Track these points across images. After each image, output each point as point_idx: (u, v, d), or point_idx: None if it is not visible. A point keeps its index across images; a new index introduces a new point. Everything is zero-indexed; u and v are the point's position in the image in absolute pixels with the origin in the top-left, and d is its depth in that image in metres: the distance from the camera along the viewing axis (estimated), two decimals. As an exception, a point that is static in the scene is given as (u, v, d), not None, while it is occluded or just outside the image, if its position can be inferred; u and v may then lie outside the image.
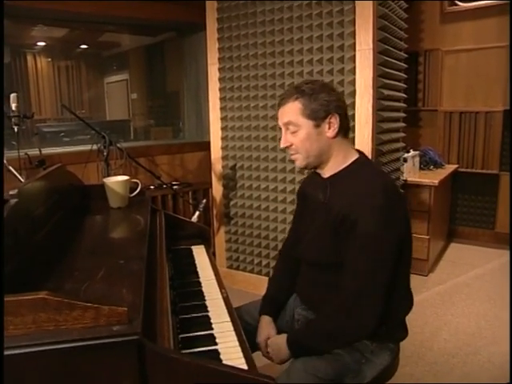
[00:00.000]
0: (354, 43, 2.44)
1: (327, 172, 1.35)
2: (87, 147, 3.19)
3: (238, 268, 3.16)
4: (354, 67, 2.46)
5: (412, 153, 3.36)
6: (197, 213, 2.98)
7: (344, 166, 1.32)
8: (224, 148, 3.08)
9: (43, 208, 1.14)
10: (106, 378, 0.73)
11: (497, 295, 2.98)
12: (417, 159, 3.46)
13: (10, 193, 0.97)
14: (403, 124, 3.09)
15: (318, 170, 1.37)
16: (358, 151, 1.36)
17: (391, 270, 1.21)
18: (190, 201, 3.45)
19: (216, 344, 1.02)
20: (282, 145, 1.33)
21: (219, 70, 2.99)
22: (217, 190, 3.20)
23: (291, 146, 1.32)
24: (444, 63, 3.90)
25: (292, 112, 1.28)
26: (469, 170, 3.92)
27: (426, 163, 3.63)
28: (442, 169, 3.67)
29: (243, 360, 0.96)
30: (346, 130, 1.33)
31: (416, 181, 3.25)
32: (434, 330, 2.57)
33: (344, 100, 1.34)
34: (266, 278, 2.99)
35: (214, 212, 3.26)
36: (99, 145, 2.66)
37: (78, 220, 1.38)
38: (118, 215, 1.49)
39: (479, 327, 2.60)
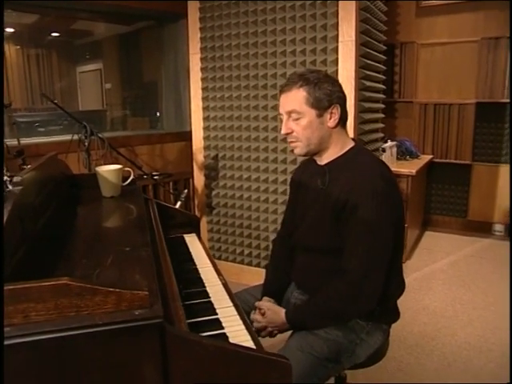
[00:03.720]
0: (337, 35, 2.47)
1: (325, 159, 1.38)
2: (63, 137, 3.13)
3: (220, 258, 3.18)
4: (337, 58, 2.49)
5: (390, 143, 3.44)
6: (178, 203, 2.97)
7: (341, 152, 1.36)
8: (206, 138, 3.08)
9: (42, 196, 1.13)
10: (128, 361, 0.74)
11: (471, 280, 3.12)
12: (394, 149, 3.55)
13: (14, 180, 0.95)
14: (382, 115, 3.16)
15: (316, 158, 1.40)
16: (354, 139, 1.39)
17: (390, 251, 1.26)
18: (171, 191, 3.44)
19: (223, 328, 1.04)
20: (283, 131, 1.35)
21: (201, 59, 2.97)
22: (198, 180, 3.19)
23: (292, 133, 1.33)
24: (419, 56, 3.99)
25: (296, 100, 1.30)
26: (443, 160, 4.05)
27: (403, 153, 3.72)
28: (417, 159, 3.77)
29: (252, 342, 0.98)
30: (344, 120, 1.36)
31: (394, 170, 3.30)
32: (414, 314, 2.67)
33: (344, 91, 1.37)
34: (249, 268, 3.07)
35: (196, 202, 3.25)
36: (80, 135, 2.62)
37: (74, 209, 1.37)
38: (112, 204, 1.48)
39: (455, 310, 2.72)
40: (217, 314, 1.10)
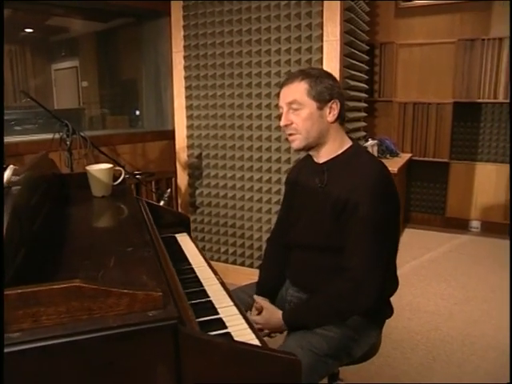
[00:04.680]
0: (322, 34, 2.49)
1: (323, 157, 1.38)
2: (41, 136, 3.04)
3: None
4: (322, 58, 2.51)
5: (371, 142, 3.49)
6: (161, 202, 2.94)
7: (340, 151, 1.37)
8: (189, 137, 3.06)
9: (38, 197, 1.10)
10: (142, 363, 0.72)
11: (450, 275, 3.19)
12: (375, 148, 3.60)
13: (12, 180, 0.93)
14: (364, 114, 3.20)
15: (313, 153, 1.40)
16: (352, 139, 1.41)
17: (390, 249, 1.28)
18: (153, 189, 3.39)
19: (226, 327, 1.03)
20: (283, 123, 1.34)
21: (184, 58, 2.95)
22: (182, 179, 3.17)
23: (291, 124, 1.33)
24: (398, 56, 4.07)
25: (298, 91, 1.30)
26: (421, 158, 4.14)
27: (383, 152, 3.78)
28: (397, 157, 3.84)
29: (257, 341, 0.97)
30: (343, 117, 1.37)
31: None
32: (398, 309, 2.67)
33: (342, 90, 1.38)
34: (234, 267, 3.06)
35: (179, 201, 3.23)
36: (61, 134, 2.56)
37: (68, 209, 1.34)
38: (105, 204, 1.45)
39: (437, 305, 2.78)
40: (219, 314, 1.09)
